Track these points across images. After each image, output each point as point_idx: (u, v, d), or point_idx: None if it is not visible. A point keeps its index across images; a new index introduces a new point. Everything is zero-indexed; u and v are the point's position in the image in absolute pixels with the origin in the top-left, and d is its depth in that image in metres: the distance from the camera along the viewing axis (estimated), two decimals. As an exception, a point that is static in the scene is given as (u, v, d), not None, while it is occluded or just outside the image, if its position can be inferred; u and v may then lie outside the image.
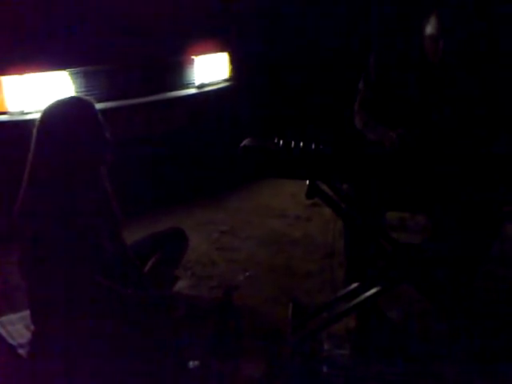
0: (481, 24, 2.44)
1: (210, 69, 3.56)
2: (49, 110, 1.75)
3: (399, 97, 2.22)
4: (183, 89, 3.44)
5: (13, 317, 2.00)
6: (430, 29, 2.14)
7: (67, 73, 2.95)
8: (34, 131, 1.74)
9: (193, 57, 3.45)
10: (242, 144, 1.87)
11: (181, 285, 2.47)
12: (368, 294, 2.05)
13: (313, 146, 1.88)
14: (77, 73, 2.98)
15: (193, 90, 3.48)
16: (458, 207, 1.96)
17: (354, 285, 2.19)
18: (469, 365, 2.07)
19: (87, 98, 1.86)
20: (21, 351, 1.84)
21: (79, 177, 1.77)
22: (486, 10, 2.69)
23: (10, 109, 2.83)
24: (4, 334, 1.92)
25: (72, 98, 1.83)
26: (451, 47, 2.12)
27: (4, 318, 2.00)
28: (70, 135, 1.72)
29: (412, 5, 2.45)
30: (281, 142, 1.89)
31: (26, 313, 1.91)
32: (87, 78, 3.02)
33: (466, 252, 2.19)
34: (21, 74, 2.82)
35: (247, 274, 2.72)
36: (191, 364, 1.97)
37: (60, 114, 1.74)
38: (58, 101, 1.76)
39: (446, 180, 1.83)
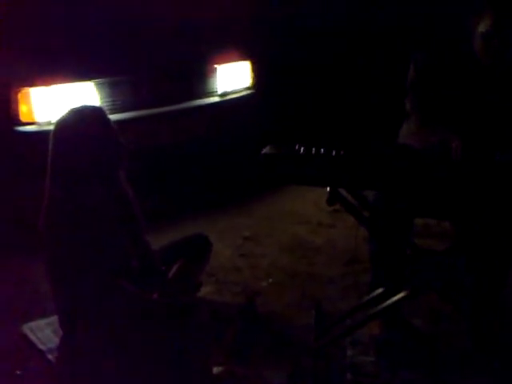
0: None
1: (232, 77, 3.59)
2: (63, 119, 1.80)
3: (450, 101, 2.14)
4: (206, 97, 3.47)
5: (41, 322, 2.04)
6: (482, 26, 2.03)
7: (93, 83, 3.01)
8: (50, 142, 1.79)
9: (215, 65, 3.49)
10: (262, 151, 1.89)
11: (204, 291, 2.49)
12: (392, 300, 2.05)
13: (333, 153, 1.88)
14: (102, 83, 3.04)
15: (215, 99, 3.51)
16: (483, 214, 1.93)
17: (378, 291, 2.19)
18: (494, 377, 2.04)
19: (97, 106, 1.90)
20: (50, 356, 1.87)
21: (97, 182, 1.81)
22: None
23: (38, 119, 2.90)
24: (34, 339, 1.96)
25: (84, 106, 1.87)
26: (506, 47, 2.03)
27: (33, 324, 2.04)
28: (84, 142, 1.76)
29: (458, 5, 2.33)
30: (302, 148, 1.90)
31: (54, 318, 1.94)
32: (112, 89, 3.08)
33: (491, 259, 2.16)
34: (48, 85, 2.89)
35: (270, 280, 2.73)
36: (215, 370, 1.98)
37: (73, 122, 1.79)
38: (71, 110, 1.81)
39: (473, 187, 1.81)
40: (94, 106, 1.91)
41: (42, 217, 1.79)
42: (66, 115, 1.80)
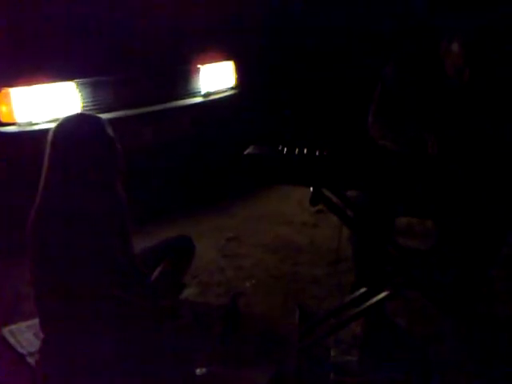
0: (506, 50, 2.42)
1: (215, 77, 3.59)
2: (59, 128, 1.79)
3: (419, 108, 2.22)
4: (189, 97, 3.47)
5: (22, 325, 2.02)
6: (453, 56, 2.13)
7: (74, 83, 2.98)
8: (48, 147, 1.77)
9: (199, 65, 3.48)
10: (245, 152, 1.89)
11: (188, 292, 2.49)
12: (375, 299, 2.05)
13: (317, 153, 1.89)
14: (84, 83, 3.02)
15: (199, 99, 3.51)
16: (464, 212, 1.95)
17: (361, 290, 2.20)
18: (476, 370, 2.06)
19: (93, 114, 1.90)
20: (30, 360, 1.85)
21: (95, 188, 1.80)
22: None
23: (19, 120, 2.86)
24: (13, 342, 1.94)
25: (79, 114, 1.87)
26: (477, 76, 2.11)
27: (13, 327, 2.02)
28: (85, 149, 1.76)
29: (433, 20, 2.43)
30: (285, 149, 1.90)
31: (35, 321, 1.92)
32: (94, 89, 3.05)
33: (472, 258, 2.19)
34: (29, 85, 2.86)
35: (254, 280, 2.73)
36: (198, 371, 1.98)
37: (73, 129, 1.78)
38: (67, 118, 1.81)
39: (454, 185, 1.83)
40: (91, 114, 1.91)
41: (31, 219, 1.77)
42: (64, 121, 1.80)
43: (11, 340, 1.95)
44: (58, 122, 1.80)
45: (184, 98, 3.45)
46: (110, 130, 1.84)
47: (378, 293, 2.05)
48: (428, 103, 2.22)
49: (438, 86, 2.21)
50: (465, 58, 2.11)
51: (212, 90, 3.57)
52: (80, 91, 3.00)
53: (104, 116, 3.03)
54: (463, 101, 2.20)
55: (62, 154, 1.76)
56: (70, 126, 1.79)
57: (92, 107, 3.05)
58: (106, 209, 1.84)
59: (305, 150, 1.90)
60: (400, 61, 2.32)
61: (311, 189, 1.89)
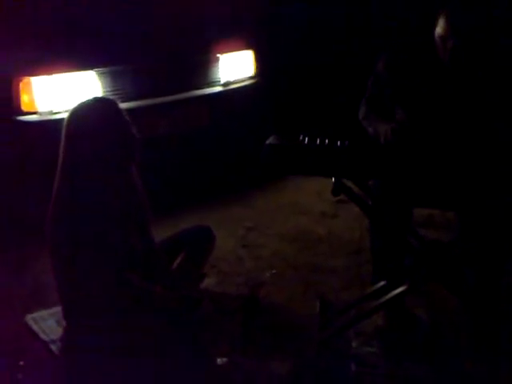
0: (492, 21, 2.39)
1: (235, 66, 3.57)
2: (75, 112, 1.78)
3: (410, 98, 2.21)
4: (209, 87, 3.45)
5: (44, 313, 2.04)
6: (438, 29, 2.10)
7: (94, 72, 2.99)
8: (63, 135, 1.77)
9: (218, 55, 3.46)
10: (266, 142, 1.88)
11: (207, 282, 2.49)
12: (396, 291, 2.04)
13: (338, 143, 1.87)
14: (104, 72, 3.02)
15: (218, 88, 3.49)
16: (485, 204, 1.93)
17: (382, 282, 2.18)
18: (497, 364, 2.04)
19: (110, 97, 1.88)
20: (53, 347, 1.87)
21: (110, 175, 1.80)
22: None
23: (40, 109, 2.88)
24: (36, 329, 1.96)
25: (96, 98, 1.85)
26: (461, 46, 2.07)
27: (36, 314, 2.04)
28: (98, 135, 1.75)
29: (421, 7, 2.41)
30: (306, 139, 1.89)
31: (58, 309, 1.94)
32: (114, 78, 3.05)
33: (493, 250, 2.16)
34: (49, 74, 2.87)
35: (273, 271, 2.72)
36: (219, 361, 1.98)
37: (87, 115, 1.77)
38: (83, 103, 1.80)
39: (473, 177, 1.81)
40: (105, 98, 1.89)
41: (49, 208, 1.78)
42: (77, 108, 1.79)
43: (34, 327, 1.97)
44: (72, 108, 1.79)
45: (203, 88, 3.42)
46: (124, 115, 1.83)
47: (399, 285, 2.04)
48: (420, 95, 2.19)
49: (431, 77, 2.18)
50: (450, 27, 2.06)
51: (231, 79, 3.54)
52: (100, 80, 3.01)
53: (124, 105, 3.07)
54: (456, 93, 2.16)
55: (75, 141, 1.75)
56: (84, 111, 1.77)
57: (112, 96, 3.02)
58: (122, 196, 1.84)
59: (326, 141, 1.88)
60: (392, 52, 2.29)
61: (333, 179, 1.88)
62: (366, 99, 2.33)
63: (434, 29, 2.13)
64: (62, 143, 1.76)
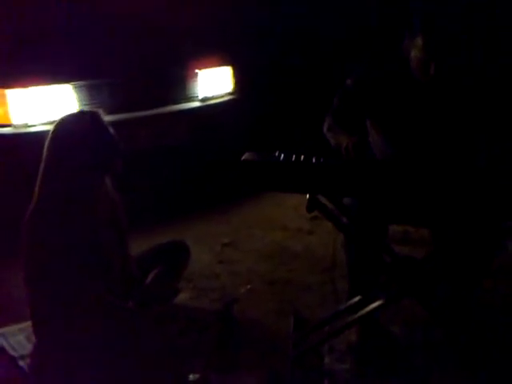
0: (473, 43, 2.44)
1: (213, 82, 3.59)
2: (60, 124, 1.79)
3: (382, 116, 2.23)
4: (187, 102, 3.46)
5: (14, 328, 2.01)
6: (417, 52, 2.09)
7: (71, 86, 2.97)
8: (46, 146, 1.77)
9: (196, 70, 3.47)
10: (242, 158, 1.88)
11: (182, 297, 2.47)
12: (370, 307, 2.05)
13: (313, 160, 1.88)
14: (80, 86, 3.01)
15: (196, 104, 3.50)
16: (457, 221, 1.96)
17: (356, 298, 2.19)
18: (469, 378, 2.05)
19: (95, 109, 1.90)
20: (21, 363, 1.84)
21: (90, 188, 1.80)
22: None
23: (15, 121, 2.85)
24: (5, 345, 1.92)
25: (81, 111, 1.87)
26: (443, 69, 2.09)
27: (5, 329, 2.01)
28: (82, 146, 1.76)
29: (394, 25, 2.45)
30: (282, 155, 1.90)
31: (27, 324, 1.91)
32: (90, 91, 3.04)
33: (466, 266, 2.19)
34: (25, 87, 2.85)
35: (249, 286, 2.71)
36: (191, 377, 1.96)
37: (71, 127, 1.78)
38: (68, 115, 1.81)
39: (444, 194, 1.83)
40: (91, 111, 1.92)
41: (26, 219, 1.76)
42: (64, 122, 1.81)
43: (3, 342, 1.93)
44: (58, 120, 1.80)
45: (181, 103, 3.44)
46: (109, 127, 1.84)
47: (372, 301, 2.05)
48: (394, 112, 2.21)
49: (404, 94, 2.19)
50: (430, 50, 2.06)
51: (209, 95, 3.56)
52: (77, 94, 2.99)
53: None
54: (433, 110, 2.19)
55: (58, 151, 1.76)
56: (70, 123, 1.79)
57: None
58: (101, 207, 1.83)
59: (301, 157, 1.89)
60: (363, 68, 2.31)
61: (307, 195, 1.89)
62: (332, 112, 2.34)
63: (406, 45, 2.14)
64: (46, 153, 1.77)
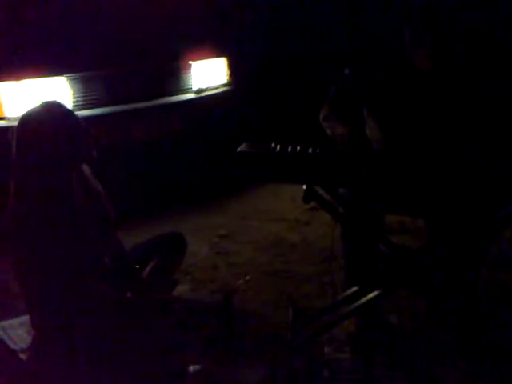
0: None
1: (207, 74, 3.57)
2: (24, 117, 1.77)
3: (381, 106, 2.23)
4: (181, 94, 3.44)
5: (14, 322, 2.01)
6: (407, 39, 2.11)
7: (65, 78, 2.96)
8: (14, 135, 1.76)
9: (190, 62, 3.45)
10: (238, 149, 1.88)
11: (181, 289, 2.47)
12: (367, 297, 2.05)
13: (310, 150, 1.88)
14: (74, 78, 2.99)
15: (191, 95, 3.48)
16: (453, 211, 1.96)
17: (354, 288, 2.19)
18: (469, 367, 2.06)
19: (57, 100, 1.87)
20: (22, 356, 1.84)
21: (64, 175, 1.78)
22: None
23: (8, 114, 2.84)
24: (5, 338, 1.92)
25: (43, 102, 1.84)
26: (442, 58, 2.10)
27: (5, 323, 2.01)
28: (47, 138, 1.74)
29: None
30: (278, 146, 1.89)
31: (27, 318, 1.91)
32: (85, 84, 3.03)
33: (462, 256, 2.19)
34: (18, 80, 2.83)
35: (247, 277, 2.72)
36: (191, 368, 1.97)
37: (35, 119, 1.76)
38: (32, 108, 1.80)
39: (439, 184, 1.83)
40: (53, 101, 1.89)
41: (7, 214, 1.75)
42: (30, 110, 1.78)
43: (3, 336, 1.93)
44: (22, 114, 1.79)
45: (175, 95, 3.42)
46: (73, 115, 1.81)
47: (370, 291, 2.05)
48: (392, 102, 2.20)
49: (403, 85, 2.19)
50: (412, 31, 2.08)
51: (204, 86, 3.54)
52: (71, 86, 2.98)
53: (95, 111, 3.06)
54: (426, 94, 2.18)
55: (25, 145, 1.74)
56: (33, 116, 1.77)
57: (82, 102, 3.02)
58: (76, 198, 1.81)
59: (297, 148, 1.89)
60: (361, 60, 2.30)
61: (304, 186, 1.89)
62: (329, 101, 2.33)
63: (403, 38, 2.15)
64: (15, 142, 1.75)
